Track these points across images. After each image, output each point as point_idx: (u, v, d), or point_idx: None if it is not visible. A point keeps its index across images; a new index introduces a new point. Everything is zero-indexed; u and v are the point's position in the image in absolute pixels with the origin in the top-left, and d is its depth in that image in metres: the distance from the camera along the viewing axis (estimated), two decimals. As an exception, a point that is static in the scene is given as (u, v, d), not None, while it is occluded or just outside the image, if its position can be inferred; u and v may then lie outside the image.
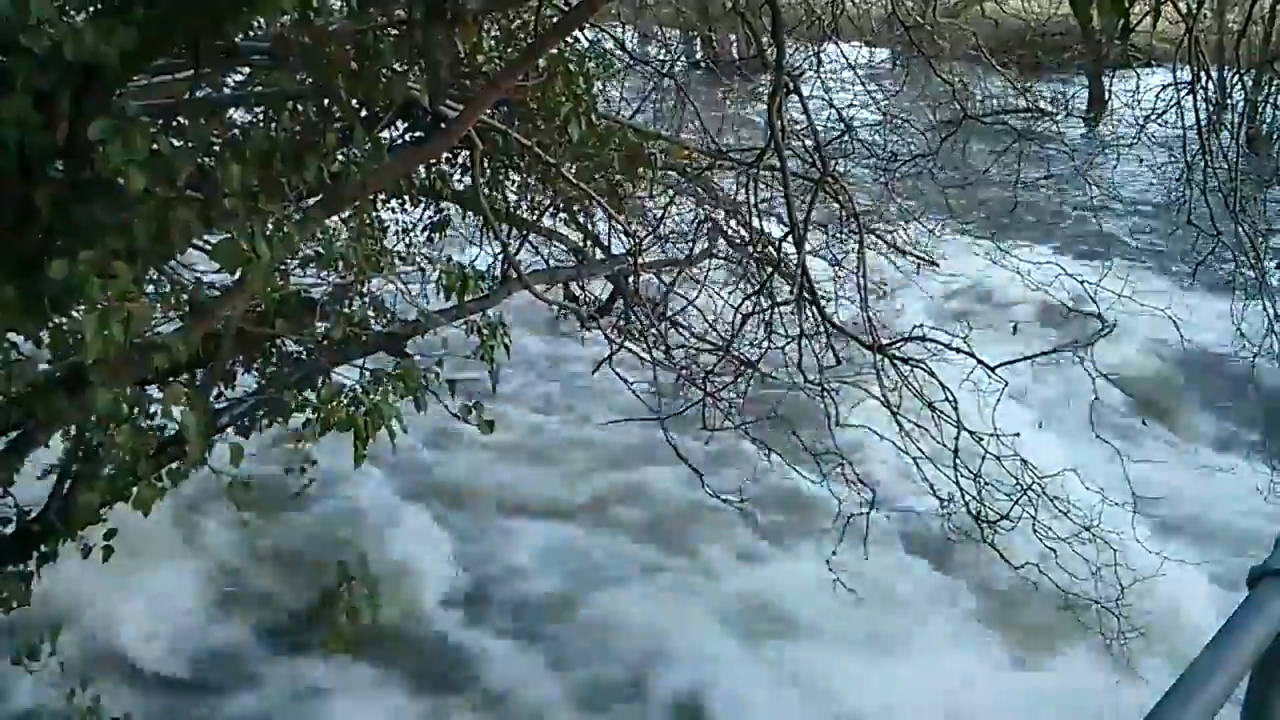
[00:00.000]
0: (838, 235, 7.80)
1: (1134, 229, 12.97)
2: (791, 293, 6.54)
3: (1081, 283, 6.80)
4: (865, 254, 6.95)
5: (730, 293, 7.79)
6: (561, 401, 9.27)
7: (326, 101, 4.20)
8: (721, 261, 7.94)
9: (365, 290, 5.40)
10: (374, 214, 5.86)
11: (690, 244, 7.79)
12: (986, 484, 6.33)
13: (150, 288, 4.34)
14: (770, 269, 6.97)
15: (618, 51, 7.59)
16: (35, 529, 4.33)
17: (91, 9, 3.26)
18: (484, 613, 6.52)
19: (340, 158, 4.23)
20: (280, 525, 6.80)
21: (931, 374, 6.49)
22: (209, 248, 3.44)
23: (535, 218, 7.02)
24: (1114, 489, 6.44)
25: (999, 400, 6.38)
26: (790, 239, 6.06)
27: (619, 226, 7.14)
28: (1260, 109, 11.80)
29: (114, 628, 5.98)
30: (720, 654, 6.17)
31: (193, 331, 3.85)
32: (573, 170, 5.84)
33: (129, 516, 3.89)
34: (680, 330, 7.93)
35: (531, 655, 6.18)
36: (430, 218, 6.69)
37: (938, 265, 8.21)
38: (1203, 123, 6.36)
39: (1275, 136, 11.10)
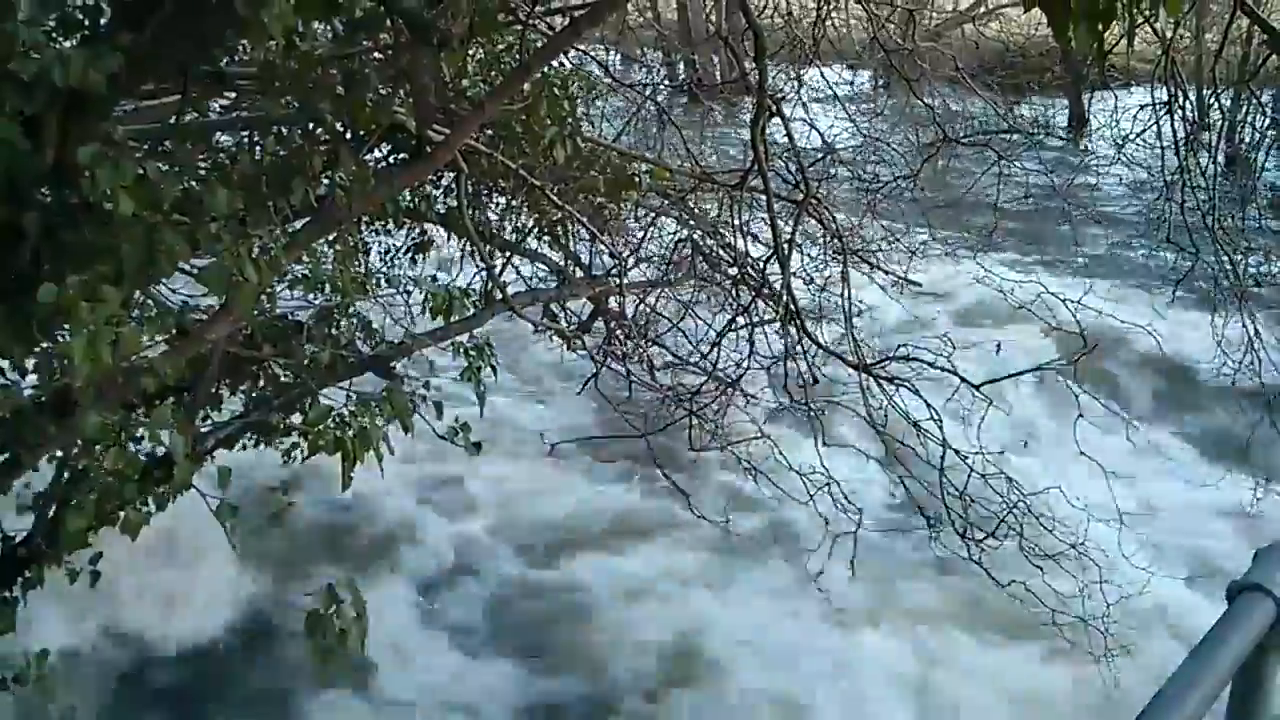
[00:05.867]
0: (821, 255, 7.85)
1: (1115, 247, 13.06)
2: (776, 313, 6.58)
3: (1063, 300, 6.86)
4: (849, 274, 7.00)
5: (715, 313, 7.83)
6: (549, 416, 9.28)
7: (312, 125, 4.22)
8: (705, 282, 7.98)
9: (352, 312, 5.42)
10: (359, 236, 5.89)
11: (673, 265, 7.83)
12: (973, 502, 6.36)
13: (137, 311, 4.35)
14: (754, 289, 7.02)
15: (602, 75, 7.64)
16: (21, 554, 4.32)
17: (79, 35, 3.29)
18: (477, 633, 6.51)
19: (326, 181, 4.26)
20: (267, 547, 6.77)
21: (916, 393, 6.53)
22: (196, 271, 3.45)
23: (519, 239, 7.04)
24: (1099, 506, 6.47)
25: (983, 418, 6.41)
26: (774, 259, 6.10)
27: (603, 247, 7.17)
28: (1238, 128, 11.91)
29: (99, 650, 5.95)
30: (707, 672, 6.16)
31: (180, 354, 3.86)
32: (556, 192, 5.87)
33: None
34: (664, 350, 7.96)
35: (523, 677, 6.17)
36: (414, 240, 6.71)
37: (920, 285, 8.26)
38: (1181, 142, 6.42)
39: (1253, 156, 11.19)
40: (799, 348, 6.72)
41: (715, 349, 7.28)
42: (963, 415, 6.49)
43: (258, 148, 4.48)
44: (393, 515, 7.51)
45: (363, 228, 6.09)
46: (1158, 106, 6.63)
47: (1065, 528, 6.30)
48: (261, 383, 5.39)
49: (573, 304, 8.05)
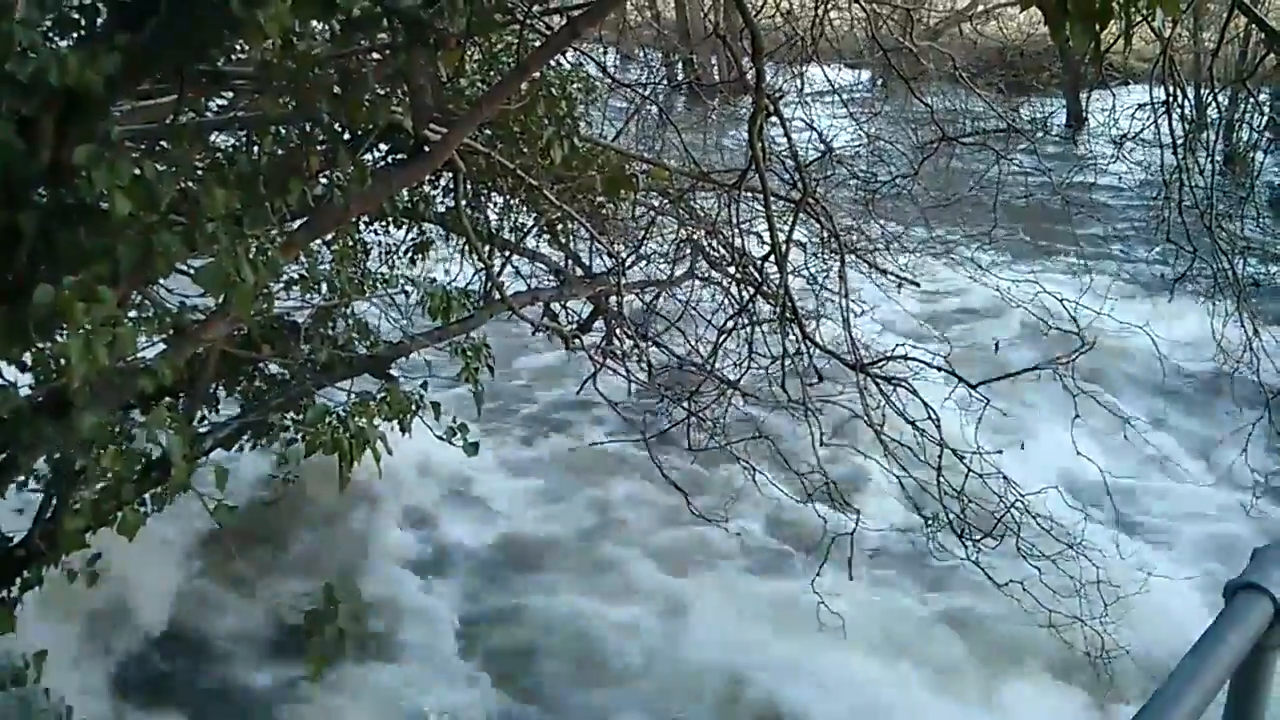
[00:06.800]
0: (819, 255, 7.85)
1: (1113, 246, 13.05)
2: (774, 312, 6.57)
3: (1061, 300, 6.85)
4: (846, 273, 6.99)
5: (714, 312, 7.83)
6: (547, 417, 9.29)
7: (310, 125, 4.21)
8: (704, 281, 7.98)
9: (349, 312, 5.42)
10: (357, 236, 5.89)
11: (672, 264, 7.83)
12: (970, 502, 6.35)
13: (134, 311, 4.35)
14: (752, 289, 7.02)
15: (600, 74, 7.63)
16: (19, 555, 4.31)
17: (76, 35, 3.28)
18: (472, 634, 6.50)
19: (324, 181, 4.25)
20: (265, 546, 6.77)
21: (914, 392, 6.52)
22: (193, 271, 3.45)
23: (518, 239, 7.04)
24: (1096, 505, 6.47)
25: (981, 418, 6.41)
26: (772, 259, 6.10)
27: (601, 247, 7.17)
28: (1236, 127, 11.91)
29: (97, 651, 5.95)
30: (703, 678, 6.16)
31: (177, 355, 3.86)
32: (555, 191, 5.87)
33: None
34: (663, 349, 7.96)
35: (518, 677, 6.16)
36: (413, 240, 6.71)
37: (919, 284, 8.25)
38: (1179, 141, 6.42)
39: (1251, 155, 11.21)
40: (800, 347, 6.72)
41: (716, 349, 7.28)
42: (960, 414, 6.48)
43: (255, 147, 4.48)
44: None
45: (361, 227, 6.09)
46: (1156, 105, 6.63)
47: (1062, 527, 6.30)
48: (258, 383, 5.39)
49: (573, 304, 8.06)
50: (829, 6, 7.75)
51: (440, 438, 4.72)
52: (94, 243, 3.10)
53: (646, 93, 8.44)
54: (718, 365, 7.35)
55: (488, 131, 5.52)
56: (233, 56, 4.37)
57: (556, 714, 5.95)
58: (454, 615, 6.67)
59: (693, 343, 7.88)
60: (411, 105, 4.14)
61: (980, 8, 18.01)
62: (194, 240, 3.25)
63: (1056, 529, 6.27)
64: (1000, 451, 6.57)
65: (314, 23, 3.79)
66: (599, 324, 8.14)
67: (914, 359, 6.63)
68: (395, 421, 4.49)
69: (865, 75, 16.55)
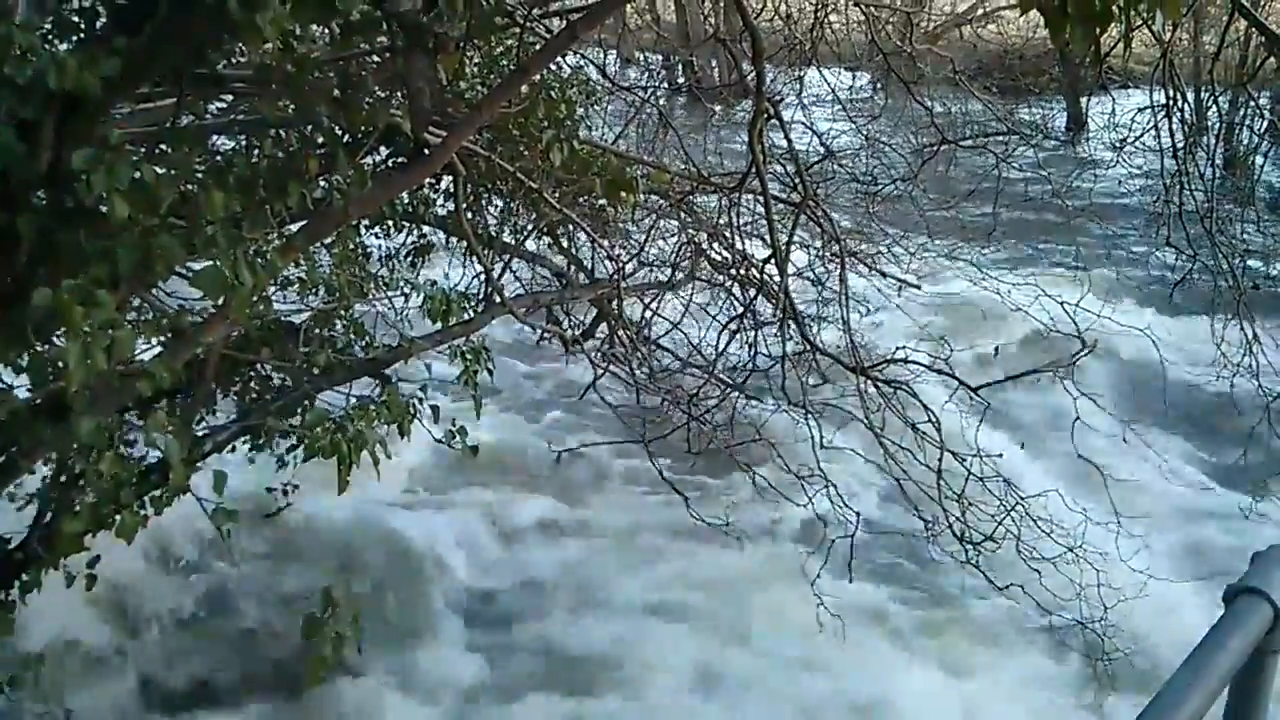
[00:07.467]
0: (820, 257, 7.85)
1: (1113, 249, 13.05)
2: (775, 315, 6.58)
3: (1061, 303, 6.84)
4: (847, 276, 6.99)
5: (715, 315, 7.83)
6: (547, 420, 9.28)
7: (309, 128, 4.21)
8: (705, 284, 7.98)
9: (348, 315, 5.41)
10: (357, 239, 5.88)
11: (673, 267, 7.83)
12: (970, 505, 6.34)
13: (133, 314, 4.35)
14: (753, 292, 7.02)
15: (600, 77, 7.63)
16: (18, 557, 4.31)
17: (75, 38, 3.28)
18: (470, 637, 6.49)
19: (323, 184, 4.25)
20: (263, 549, 6.76)
21: (914, 395, 6.52)
22: (192, 275, 3.45)
23: (518, 242, 7.04)
24: (1097, 509, 6.46)
25: (981, 421, 6.40)
26: (773, 262, 6.10)
27: (602, 250, 7.17)
28: (1236, 131, 11.91)
29: (94, 653, 5.94)
30: (706, 680, 6.15)
31: (175, 358, 3.85)
32: (555, 195, 5.86)
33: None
34: (664, 352, 7.96)
35: (519, 684, 6.15)
36: (413, 243, 6.71)
37: (919, 287, 8.25)
38: (1179, 145, 6.42)
39: (1251, 158, 11.22)
40: (800, 350, 6.71)
41: (718, 353, 7.28)
42: (961, 417, 6.48)
43: (254, 150, 4.47)
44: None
45: (362, 231, 6.09)
46: (1156, 108, 6.64)
47: (1063, 530, 6.29)
48: (257, 386, 5.39)
49: (575, 307, 8.05)
50: (828, 10, 7.76)
51: (440, 441, 4.72)
52: (93, 246, 3.09)
53: (646, 96, 8.44)
54: (719, 368, 7.35)
55: (487, 135, 5.52)
56: (232, 59, 4.37)
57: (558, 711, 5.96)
58: (453, 616, 6.68)
59: (694, 345, 7.87)
60: (410, 108, 4.13)
61: (980, 11, 18.04)
62: (193, 243, 3.25)
63: (1057, 532, 6.26)
64: (1001, 454, 6.56)
65: (313, 26, 3.79)
66: (600, 327, 8.13)
67: (914, 362, 6.63)
68: (394, 425, 4.49)
69: (865, 79, 16.56)
